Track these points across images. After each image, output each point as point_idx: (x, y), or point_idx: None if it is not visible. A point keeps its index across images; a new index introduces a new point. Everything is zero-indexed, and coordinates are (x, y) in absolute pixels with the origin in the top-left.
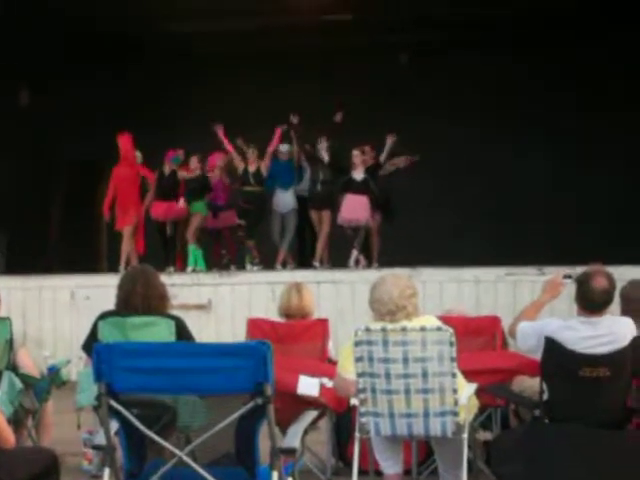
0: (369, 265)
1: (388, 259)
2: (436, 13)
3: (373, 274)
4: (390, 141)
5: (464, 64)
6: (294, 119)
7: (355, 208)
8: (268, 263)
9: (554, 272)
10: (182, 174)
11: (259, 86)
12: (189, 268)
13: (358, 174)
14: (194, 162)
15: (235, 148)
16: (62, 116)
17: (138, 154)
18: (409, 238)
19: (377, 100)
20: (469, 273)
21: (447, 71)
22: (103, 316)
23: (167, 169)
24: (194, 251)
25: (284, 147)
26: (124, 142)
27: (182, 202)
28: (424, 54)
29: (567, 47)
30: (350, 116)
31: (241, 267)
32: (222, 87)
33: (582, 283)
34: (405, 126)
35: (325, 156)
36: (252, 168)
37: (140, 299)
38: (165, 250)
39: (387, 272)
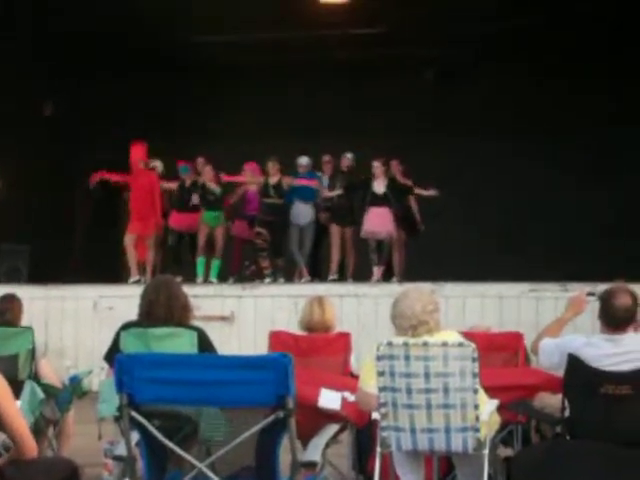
0: (389, 279)
1: (411, 274)
2: (461, 29)
3: (396, 288)
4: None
5: (490, 80)
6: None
7: (379, 221)
8: (287, 276)
9: (577, 289)
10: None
11: (281, 99)
12: (214, 280)
13: (379, 186)
14: (209, 172)
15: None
16: (84, 127)
17: (158, 164)
18: (432, 253)
19: (402, 115)
20: (492, 289)
21: (472, 87)
22: (125, 327)
23: (187, 180)
24: (217, 266)
25: (303, 160)
26: (135, 152)
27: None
28: (450, 70)
29: (599, 61)
30: (376, 129)
31: (271, 281)
32: (245, 98)
33: (605, 300)
34: (430, 142)
35: (345, 168)
36: (273, 180)
37: (163, 310)
38: (180, 261)
39: (410, 286)
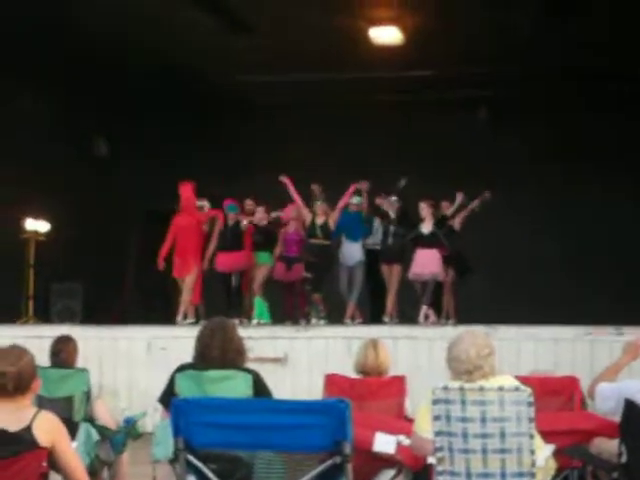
0: (439, 320)
1: (465, 316)
2: (512, 68)
3: (450, 331)
4: (460, 198)
5: (546, 118)
6: (362, 185)
7: (425, 262)
8: (336, 317)
9: (633, 333)
10: (245, 224)
11: (329, 140)
12: (254, 321)
13: (426, 227)
14: (261, 212)
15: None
16: (135, 165)
17: (205, 203)
18: (486, 294)
19: (456, 154)
20: (547, 331)
21: (523, 126)
22: (180, 369)
23: (230, 220)
24: (260, 304)
25: (355, 199)
26: (185, 191)
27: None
28: (503, 109)
29: None
30: (429, 169)
31: (307, 321)
32: (292, 139)
33: None
34: (480, 181)
35: (391, 212)
36: (320, 221)
37: (218, 352)
38: (229, 301)
39: (464, 329)
